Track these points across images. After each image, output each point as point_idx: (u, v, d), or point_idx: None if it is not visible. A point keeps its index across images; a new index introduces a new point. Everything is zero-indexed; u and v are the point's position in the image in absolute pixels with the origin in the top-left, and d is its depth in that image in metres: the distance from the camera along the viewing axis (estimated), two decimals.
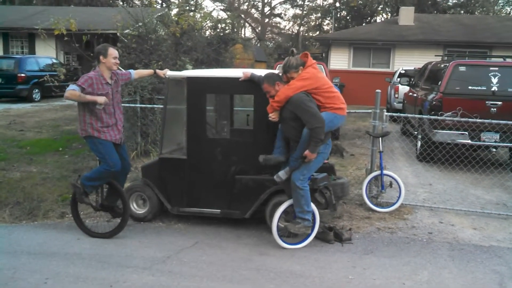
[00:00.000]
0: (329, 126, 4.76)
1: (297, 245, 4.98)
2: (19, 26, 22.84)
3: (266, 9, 50.15)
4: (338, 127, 5.08)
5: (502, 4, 38.18)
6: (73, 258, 4.68)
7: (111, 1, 32.88)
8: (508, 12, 37.71)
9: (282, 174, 4.86)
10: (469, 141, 8.06)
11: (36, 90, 17.20)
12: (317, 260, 4.67)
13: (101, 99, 4.88)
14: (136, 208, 5.75)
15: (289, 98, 4.69)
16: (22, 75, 16.68)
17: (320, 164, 4.90)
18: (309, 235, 5.02)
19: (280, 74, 4.97)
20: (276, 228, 4.98)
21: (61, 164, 8.01)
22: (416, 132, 9.66)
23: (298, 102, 4.65)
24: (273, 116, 4.86)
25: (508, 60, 9.75)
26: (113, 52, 5.05)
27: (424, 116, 8.11)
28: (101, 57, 5.01)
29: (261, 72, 5.29)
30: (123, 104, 7.28)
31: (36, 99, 17.14)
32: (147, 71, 5.94)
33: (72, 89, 4.83)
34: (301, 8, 49.23)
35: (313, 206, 5.00)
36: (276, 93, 4.79)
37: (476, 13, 33.89)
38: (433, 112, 8.32)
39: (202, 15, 12.83)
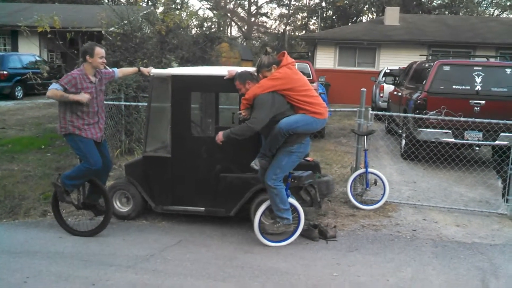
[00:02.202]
0: (306, 128, 4.71)
1: (281, 243, 4.96)
2: (1, 23, 22.49)
3: (253, 8, 50.13)
4: (317, 130, 4.98)
5: (485, 5, 38.63)
6: (55, 256, 4.61)
7: None
8: (491, 13, 38.18)
9: (257, 162, 4.82)
10: (453, 140, 8.14)
11: (19, 88, 16.95)
12: (302, 258, 4.67)
13: (83, 98, 4.81)
14: (120, 206, 5.69)
15: (256, 97, 4.65)
16: (5, 72, 16.43)
17: (294, 164, 4.83)
18: (293, 232, 5.01)
19: (256, 73, 4.92)
20: (259, 227, 4.97)
21: (44, 162, 7.90)
22: (400, 131, 9.72)
23: (258, 101, 4.61)
24: (243, 114, 4.82)
25: (491, 60, 9.86)
26: (100, 51, 4.98)
27: (408, 114, 8.17)
28: (87, 57, 4.94)
29: None
30: (107, 102, 7.23)
31: (18, 97, 16.89)
32: (132, 69, 5.88)
33: (55, 88, 4.77)
34: (287, 8, 49.27)
35: (297, 204, 4.99)
36: (247, 91, 4.76)
37: (460, 13, 34.24)
38: (417, 111, 8.37)
39: (188, 13, 12.77)
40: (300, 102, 4.68)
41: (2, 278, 4.14)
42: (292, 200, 4.96)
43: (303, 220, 5.02)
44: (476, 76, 8.41)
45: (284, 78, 4.65)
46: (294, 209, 4.98)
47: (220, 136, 4.75)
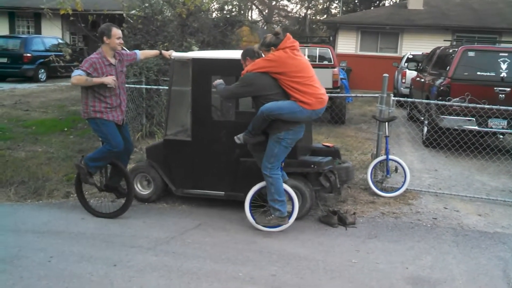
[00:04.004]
0: (291, 117, 4.59)
1: (274, 229, 4.90)
2: (25, 5, 22.72)
3: None
4: (306, 120, 4.87)
5: None
6: (77, 237, 4.70)
7: None
8: None
9: (241, 136, 4.86)
10: (476, 127, 8.00)
11: (42, 70, 17.20)
12: (321, 244, 4.67)
13: (108, 80, 4.85)
14: (141, 189, 5.76)
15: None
16: (28, 55, 16.67)
17: (286, 150, 4.72)
18: (288, 218, 4.93)
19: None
20: (250, 208, 4.98)
21: (66, 144, 8.03)
22: (422, 118, 9.60)
23: (242, 77, 4.66)
24: None
25: None
26: (116, 32, 4.98)
27: (431, 101, 8.05)
28: (104, 38, 4.95)
29: None
30: (128, 85, 7.28)
31: (41, 79, 17.14)
32: (153, 52, 5.89)
33: (78, 74, 4.80)
34: None
35: (290, 190, 4.92)
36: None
37: None
38: (440, 98, 8.25)
39: None
40: (290, 88, 4.57)
41: (27, 256, 4.24)
42: (285, 186, 4.89)
43: (297, 207, 4.95)
44: (501, 63, 8.23)
45: (276, 61, 4.56)
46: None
47: (215, 82, 4.95)
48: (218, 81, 4.95)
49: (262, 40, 4.75)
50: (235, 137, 4.90)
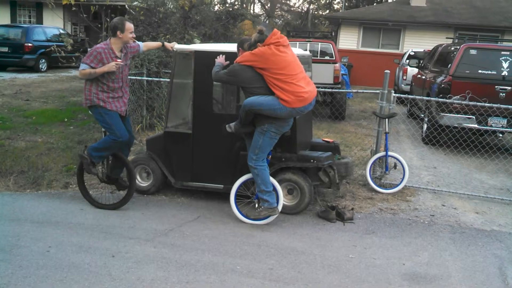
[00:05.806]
0: (270, 113, 4.63)
1: (260, 221, 4.93)
2: None
3: None
4: (286, 117, 4.78)
5: None
6: (76, 227, 4.72)
7: None
8: None
9: (232, 125, 4.95)
10: (476, 126, 8.01)
11: (43, 60, 17.18)
12: (318, 238, 4.69)
13: (110, 67, 4.84)
14: (140, 181, 5.76)
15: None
16: (29, 44, 16.64)
17: (271, 142, 4.78)
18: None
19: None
20: (235, 200, 5.02)
21: (66, 134, 8.04)
22: (423, 115, 9.61)
23: (230, 67, 4.77)
24: None
25: None
26: (130, 26, 5.00)
27: (432, 98, 8.05)
28: (118, 32, 4.94)
29: None
30: (129, 77, 7.26)
31: (42, 69, 17.13)
32: (156, 44, 5.90)
33: (82, 69, 4.87)
34: None
35: (276, 182, 4.95)
36: None
37: None
38: (441, 95, 8.25)
39: None
40: (272, 85, 4.62)
41: (26, 246, 4.26)
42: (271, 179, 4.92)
43: (282, 201, 4.99)
44: (503, 61, 8.24)
45: (259, 56, 4.62)
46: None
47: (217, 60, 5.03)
48: (219, 62, 4.98)
49: (249, 41, 4.83)
50: (227, 125, 5.00)
